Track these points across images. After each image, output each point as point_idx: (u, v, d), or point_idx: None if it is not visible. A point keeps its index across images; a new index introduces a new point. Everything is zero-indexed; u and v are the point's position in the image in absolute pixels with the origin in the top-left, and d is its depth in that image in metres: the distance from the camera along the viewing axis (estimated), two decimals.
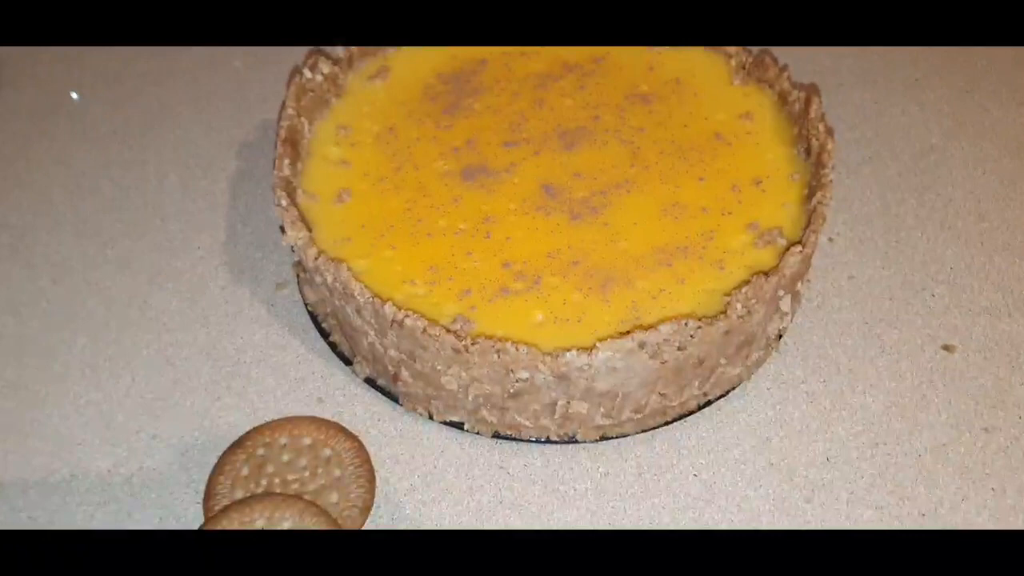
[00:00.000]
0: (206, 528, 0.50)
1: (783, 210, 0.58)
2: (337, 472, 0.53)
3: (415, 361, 0.52)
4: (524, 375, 0.50)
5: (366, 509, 0.52)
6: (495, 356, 0.49)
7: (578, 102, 0.66)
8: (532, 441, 0.55)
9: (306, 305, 0.60)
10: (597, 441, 0.55)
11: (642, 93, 0.66)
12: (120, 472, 0.55)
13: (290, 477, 0.53)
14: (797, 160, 0.61)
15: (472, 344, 0.49)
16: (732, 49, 0.67)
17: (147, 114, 0.76)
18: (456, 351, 0.49)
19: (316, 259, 0.53)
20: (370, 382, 0.57)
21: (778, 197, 0.59)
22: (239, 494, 0.52)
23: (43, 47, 0.80)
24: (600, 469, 0.54)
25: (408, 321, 0.50)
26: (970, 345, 0.60)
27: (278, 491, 0.52)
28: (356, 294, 0.51)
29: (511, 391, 0.51)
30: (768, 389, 0.58)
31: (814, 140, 0.59)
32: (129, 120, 0.75)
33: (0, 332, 0.61)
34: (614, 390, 0.51)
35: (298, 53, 0.76)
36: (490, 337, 0.50)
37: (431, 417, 0.56)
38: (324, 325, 0.59)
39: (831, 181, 0.56)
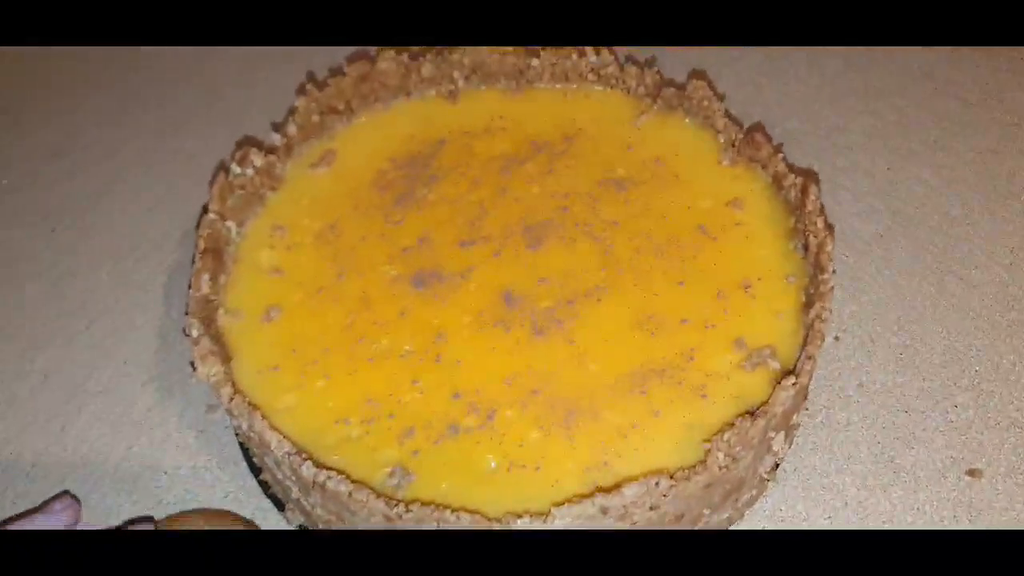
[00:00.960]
0: None
1: (776, 322, 0.50)
2: None
3: (343, 522, 0.44)
4: None
5: None
6: (434, 525, 0.41)
7: (546, 189, 0.58)
8: None
9: (237, 435, 0.53)
10: None
11: (617, 178, 0.58)
12: None
13: None
14: (793, 256, 0.53)
15: (406, 512, 0.42)
16: (721, 123, 0.59)
17: (84, 197, 0.69)
18: (388, 519, 0.42)
19: (230, 401, 0.46)
20: (305, 531, 0.50)
21: (770, 304, 0.51)
22: None
23: None
24: None
25: (330, 484, 0.42)
26: (999, 469, 0.52)
27: None
28: (272, 447, 0.44)
29: None
30: (763, 527, 0.50)
31: (812, 237, 0.51)
32: (64, 203, 0.69)
33: None
34: None
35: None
36: (427, 504, 0.42)
37: None
38: (256, 460, 0.52)
39: (832, 289, 0.48)
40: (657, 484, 0.41)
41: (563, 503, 0.41)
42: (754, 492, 0.49)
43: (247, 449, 0.53)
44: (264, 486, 0.51)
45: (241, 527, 0.49)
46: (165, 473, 0.54)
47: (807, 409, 0.53)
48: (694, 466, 0.43)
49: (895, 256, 0.62)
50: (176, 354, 0.59)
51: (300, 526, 0.50)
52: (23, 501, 0.53)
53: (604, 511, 0.41)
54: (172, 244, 0.66)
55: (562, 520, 0.41)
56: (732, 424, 0.43)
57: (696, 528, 0.46)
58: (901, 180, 0.67)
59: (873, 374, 0.56)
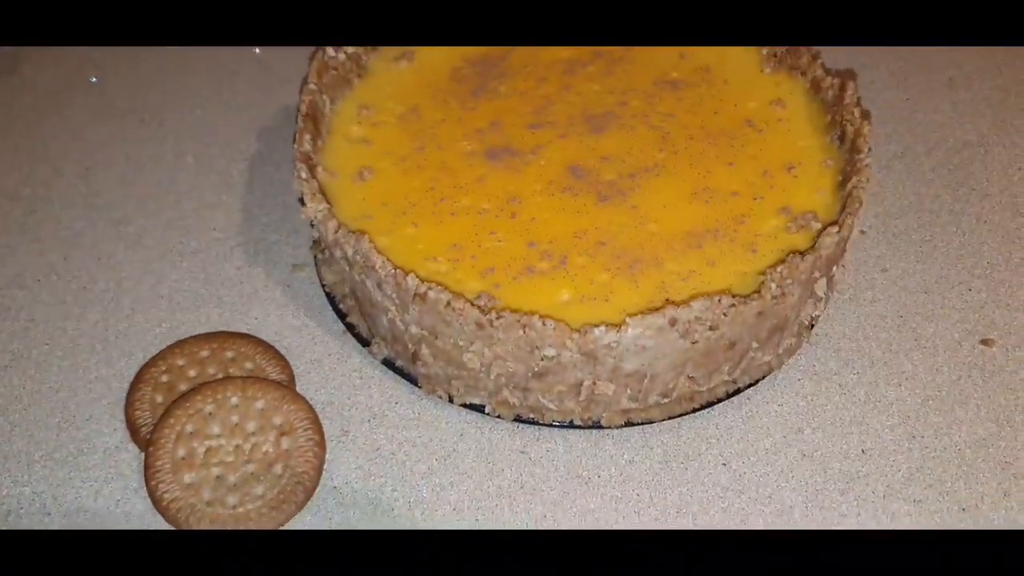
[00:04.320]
0: (152, 451, 0.50)
1: (816, 196, 0.56)
2: (286, 443, 0.51)
3: (436, 338, 0.50)
4: (550, 353, 0.48)
5: (310, 489, 0.50)
6: (521, 332, 0.47)
7: (605, 87, 0.64)
8: (555, 426, 0.53)
9: (323, 286, 0.59)
10: (622, 427, 0.53)
11: (671, 80, 0.65)
12: (128, 449, 0.53)
13: (236, 443, 0.51)
14: (831, 147, 0.59)
15: (497, 318, 0.47)
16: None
17: (165, 95, 0.75)
18: (480, 326, 0.47)
19: (336, 232, 0.51)
20: (388, 364, 0.55)
21: (811, 183, 0.57)
22: (181, 452, 0.50)
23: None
24: (625, 456, 0.52)
25: (431, 294, 0.48)
26: (1010, 340, 0.58)
27: (221, 459, 0.51)
28: (377, 267, 0.49)
29: (536, 370, 0.49)
30: (799, 380, 0.56)
31: (849, 126, 0.57)
32: (147, 100, 0.74)
33: (8, 305, 0.60)
34: (642, 371, 0.49)
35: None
36: (516, 311, 0.48)
37: (451, 400, 0.54)
38: (341, 306, 0.58)
39: (867, 166, 0.55)
40: (720, 300, 0.47)
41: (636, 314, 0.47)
42: (793, 341, 0.55)
43: (332, 298, 0.58)
44: (350, 328, 0.57)
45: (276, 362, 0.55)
46: (256, 319, 0.59)
47: (843, 265, 0.57)
48: (750, 294, 0.48)
49: (915, 170, 0.69)
50: (260, 225, 0.65)
51: (384, 360, 0.55)
52: (123, 341, 0.58)
53: (672, 322, 0.47)
54: (250, 138, 0.71)
55: (635, 329, 0.47)
56: (784, 260, 0.49)
57: (741, 365, 0.52)
58: (920, 110, 0.74)
59: (896, 262, 0.62)
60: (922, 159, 0.70)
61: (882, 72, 0.77)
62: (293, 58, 0.76)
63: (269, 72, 0.77)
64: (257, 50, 0.79)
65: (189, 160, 0.70)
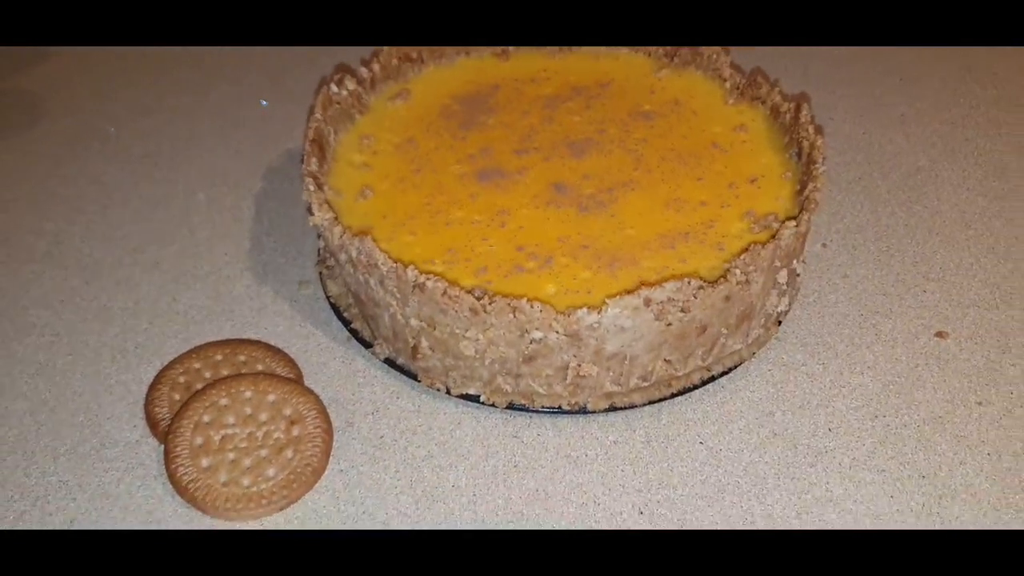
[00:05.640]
0: (171, 439, 0.54)
1: (777, 202, 0.62)
2: (296, 431, 0.55)
3: (435, 328, 0.55)
4: (538, 335, 0.52)
5: (319, 470, 0.55)
6: (511, 315, 0.52)
7: (585, 119, 0.70)
8: (544, 411, 0.57)
9: (328, 298, 0.64)
10: (607, 412, 0.57)
11: (644, 111, 0.71)
12: (148, 442, 0.57)
13: (249, 430, 0.55)
14: (790, 163, 0.65)
15: (490, 303, 0.52)
16: (727, 72, 0.72)
17: (177, 142, 0.81)
18: (474, 311, 0.52)
19: (341, 236, 0.56)
20: (389, 362, 0.60)
21: (772, 192, 0.63)
22: (199, 440, 0.54)
23: (82, 83, 0.86)
24: (610, 438, 0.57)
25: (429, 283, 0.53)
26: (962, 332, 0.63)
27: (236, 445, 0.55)
28: (380, 263, 0.54)
29: (526, 353, 0.54)
30: (769, 370, 0.61)
31: (805, 141, 0.63)
32: (160, 147, 0.80)
33: (34, 323, 0.64)
34: (622, 352, 0.54)
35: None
36: (506, 295, 0.53)
37: (448, 391, 0.58)
38: (346, 315, 0.62)
39: (822, 173, 0.60)
40: (689, 282, 0.52)
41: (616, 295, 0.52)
42: (762, 332, 0.60)
43: (337, 308, 0.63)
44: (354, 333, 0.62)
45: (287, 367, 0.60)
46: (265, 329, 0.64)
47: (804, 261, 0.62)
48: (717, 279, 0.54)
49: (872, 192, 0.75)
50: (268, 251, 0.70)
51: (386, 359, 0.60)
52: (142, 351, 0.63)
53: (647, 302, 0.52)
54: (257, 178, 0.77)
55: (614, 309, 0.51)
56: (747, 250, 0.55)
57: (714, 351, 0.57)
58: (876, 141, 0.80)
59: (856, 269, 0.68)
60: (879, 182, 0.76)
61: (841, 111, 0.83)
62: (296, 110, 0.83)
63: (273, 122, 0.83)
64: (263, 102, 0.86)
65: (200, 198, 0.75)
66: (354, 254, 0.56)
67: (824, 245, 0.70)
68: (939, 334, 0.63)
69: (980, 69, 0.88)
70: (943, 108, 0.84)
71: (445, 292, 0.53)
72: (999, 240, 0.70)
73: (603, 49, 0.76)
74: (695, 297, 0.53)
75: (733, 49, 0.85)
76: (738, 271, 0.54)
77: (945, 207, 0.73)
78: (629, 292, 0.52)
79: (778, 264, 0.56)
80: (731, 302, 0.54)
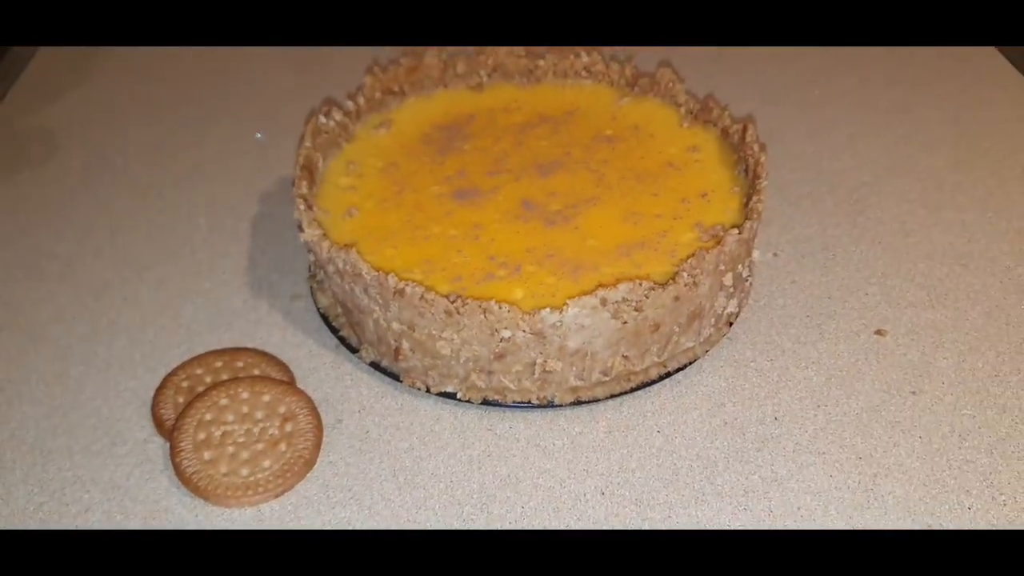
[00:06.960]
0: (176, 435, 0.60)
1: (726, 214, 0.68)
2: (289, 427, 0.61)
3: (414, 331, 0.60)
4: (507, 334, 0.58)
5: (310, 462, 0.60)
6: (482, 316, 0.58)
7: (552, 143, 0.77)
8: (516, 406, 0.63)
9: (319, 310, 0.69)
10: (572, 406, 0.63)
11: (606, 136, 0.77)
12: (154, 440, 0.62)
13: (247, 427, 0.61)
14: (738, 178, 0.71)
15: (463, 305, 0.58)
16: (683, 98, 0.78)
17: (180, 173, 0.87)
18: (448, 313, 0.58)
19: (329, 250, 0.62)
20: (374, 366, 0.66)
21: (721, 205, 0.69)
22: (201, 436, 0.60)
23: (94, 121, 0.93)
24: (575, 429, 0.62)
25: (408, 289, 0.59)
26: (899, 330, 0.69)
27: (235, 440, 0.60)
28: (363, 273, 0.60)
29: (496, 351, 0.59)
30: (721, 367, 0.66)
31: (750, 159, 0.70)
32: (164, 178, 0.87)
33: (47, 336, 0.70)
34: (583, 348, 0.59)
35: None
36: (477, 298, 0.59)
37: (428, 390, 0.64)
38: (334, 324, 0.68)
39: (765, 187, 0.66)
40: (641, 284, 0.58)
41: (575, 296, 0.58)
42: (713, 332, 0.66)
43: (327, 318, 0.69)
44: (342, 340, 0.67)
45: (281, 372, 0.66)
46: (261, 339, 0.70)
47: (752, 262, 0.68)
48: (667, 282, 0.60)
49: (819, 205, 0.81)
50: (263, 268, 0.76)
51: (371, 362, 0.66)
52: (148, 360, 0.68)
53: (604, 302, 0.58)
54: (252, 202, 0.83)
55: (574, 309, 0.57)
56: (694, 254, 0.61)
57: (668, 348, 0.63)
58: (824, 159, 0.87)
59: (803, 275, 0.74)
60: (826, 196, 0.82)
61: (791, 132, 0.90)
62: (288, 142, 0.89)
63: (268, 152, 0.90)
64: (258, 134, 0.92)
65: (201, 222, 0.81)
66: (340, 265, 0.62)
67: (775, 254, 0.76)
68: (878, 332, 0.69)
69: (924, 93, 0.95)
70: (887, 129, 0.90)
71: (422, 296, 0.58)
72: (936, 247, 0.76)
73: (569, 80, 0.83)
74: (647, 297, 0.58)
75: (693, 74, 0.92)
76: (685, 274, 0.60)
77: (887, 218, 0.79)
78: (587, 294, 0.58)
79: (723, 268, 0.62)
80: (681, 302, 0.60)
